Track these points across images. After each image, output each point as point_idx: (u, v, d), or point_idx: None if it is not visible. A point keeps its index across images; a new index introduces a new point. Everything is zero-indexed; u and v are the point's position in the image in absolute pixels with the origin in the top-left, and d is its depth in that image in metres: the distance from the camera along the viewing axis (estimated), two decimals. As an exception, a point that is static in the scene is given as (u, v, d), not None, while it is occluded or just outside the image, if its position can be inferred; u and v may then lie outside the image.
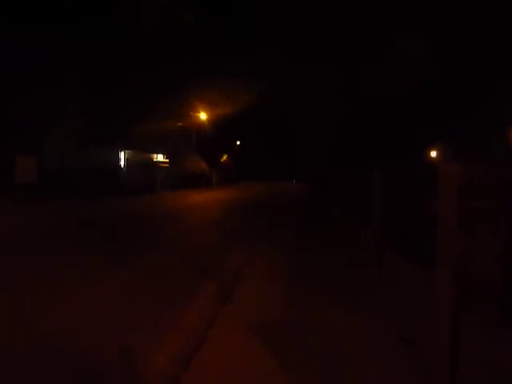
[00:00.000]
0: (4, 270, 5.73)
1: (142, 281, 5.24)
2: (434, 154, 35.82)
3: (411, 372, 2.96)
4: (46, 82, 27.43)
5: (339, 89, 35.64)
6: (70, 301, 4.39)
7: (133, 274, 5.51)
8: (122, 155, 31.35)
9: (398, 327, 3.67)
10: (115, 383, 2.79)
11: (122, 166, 31.44)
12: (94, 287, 4.89)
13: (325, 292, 4.75)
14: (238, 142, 54.75)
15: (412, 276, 3.64)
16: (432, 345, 2.76)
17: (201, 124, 40.66)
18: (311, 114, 40.41)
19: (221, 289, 4.85)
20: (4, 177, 28.07)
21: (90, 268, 5.84)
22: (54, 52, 27.79)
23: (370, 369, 2.98)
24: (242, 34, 46.40)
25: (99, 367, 2.94)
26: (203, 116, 39.34)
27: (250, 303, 4.32)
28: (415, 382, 2.85)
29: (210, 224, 11.75)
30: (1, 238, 8.37)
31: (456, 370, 2.43)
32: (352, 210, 7.49)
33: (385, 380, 2.86)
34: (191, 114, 38.59)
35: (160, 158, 37.54)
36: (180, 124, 38.87)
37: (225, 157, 56.03)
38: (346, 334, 3.62)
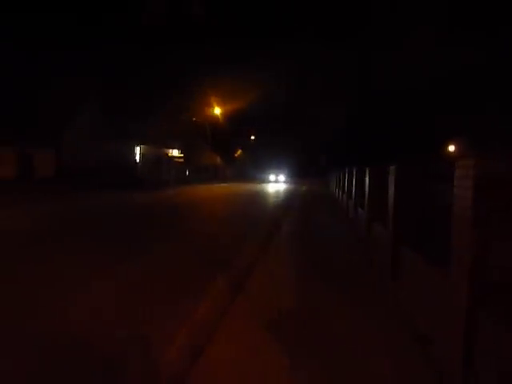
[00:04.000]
0: (22, 261, 5.88)
1: (166, 268, 5.32)
2: (452, 148, 35.07)
3: (424, 371, 2.92)
4: (64, 78, 27.81)
5: (353, 84, 35.19)
6: (91, 290, 4.48)
7: (154, 262, 5.60)
8: (137, 150, 31.67)
9: (412, 326, 3.63)
10: (129, 372, 2.84)
11: (138, 160, 31.77)
12: (114, 278, 4.99)
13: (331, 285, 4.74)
14: (253, 137, 54.63)
15: (428, 274, 3.59)
16: (446, 344, 2.72)
17: (215, 119, 40.70)
18: (325, 111, 40.02)
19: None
20: (23, 171, 28.74)
21: (110, 259, 5.94)
22: (71, 49, 28.14)
23: (384, 369, 2.95)
24: (255, 29, 46.10)
25: (113, 355, 2.99)
26: (218, 111, 39.37)
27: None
28: (429, 381, 2.82)
29: (224, 219, 11.81)
30: (17, 232, 8.56)
31: (470, 370, 2.40)
32: (369, 207, 7.39)
33: (397, 379, 2.84)
34: (206, 109, 38.66)
35: (175, 152, 37.79)
36: (195, 119, 39.01)
37: (239, 152, 56.04)
38: (360, 333, 3.60)
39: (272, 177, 40.38)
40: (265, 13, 42.79)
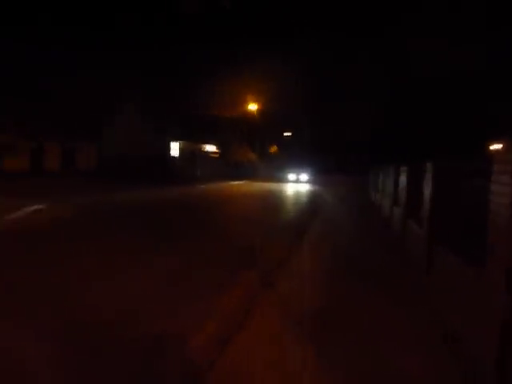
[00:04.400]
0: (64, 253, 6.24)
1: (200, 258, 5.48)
2: (496, 147, 33.39)
3: (454, 370, 2.86)
4: (104, 76, 28.88)
5: (390, 75, 34.03)
6: (126, 281, 4.70)
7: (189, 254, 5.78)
8: (174, 145, 32.40)
9: (444, 325, 3.55)
10: (161, 360, 2.96)
11: (174, 155, 32.50)
12: (149, 268, 5.20)
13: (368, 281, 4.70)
14: (288, 134, 54.38)
15: (463, 273, 3.49)
16: (478, 343, 2.65)
17: (251, 115, 40.87)
18: (361, 105, 39.12)
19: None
20: (67, 164, 30.22)
21: (147, 251, 6.18)
22: (110, 48, 29.16)
23: (412, 368, 2.92)
24: (285, 25, 45.63)
25: (145, 344, 3.13)
26: (254, 107, 39.49)
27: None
28: (456, 381, 2.76)
29: (258, 214, 11.90)
30: (60, 225, 9.04)
31: (504, 371, 2.33)
32: (406, 205, 7.24)
33: (425, 379, 2.79)
34: (242, 104, 38.89)
35: (211, 148, 38.33)
36: (231, 115, 39.34)
37: (274, 148, 55.98)
38: (391, 328, 3.56)
39: (292, 176, 33.84)
40: (290, 7, 42.18)
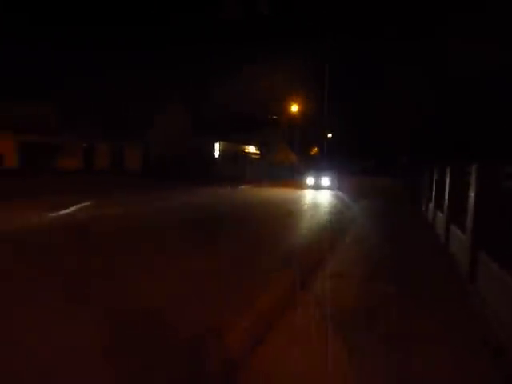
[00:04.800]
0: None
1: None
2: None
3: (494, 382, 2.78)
4: (149, 79, 29.96)
5: (429, 75, 32.57)
6: (168, 275, 4.94)
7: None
8: (216, 146, 33.04)
9: (486, 334, 3.43)
10: (204, 356, 3.10)
11: (216, 155, 33.14)
12: (191, 265, 5.42)
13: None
14: (330, 135, 53.75)
15: (508, 282, 3.36)
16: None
17: (293, 116, 40.80)
18: (401, 105, 37.81)
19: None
20: (116, 163, 31.67)
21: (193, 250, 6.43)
22: (157, 48, 30.18)
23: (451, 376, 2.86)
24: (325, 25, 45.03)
25: (189, 338, 3.30)
26: (295, 108, 39.41)
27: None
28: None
29: (304, 214, 11.90)
30: (111, 221, 9.54)
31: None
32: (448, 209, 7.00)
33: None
34: (284, 105, 38.94)
35: (252, 149, 38.69)
36: (272, 116, 39.51)
37: (315, 149, 55.56)
38: (431, 337, 3.49)
39: (310, 180, 25.31)
40: (325, 8, 41.52)
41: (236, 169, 34.01)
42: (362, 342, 3.22)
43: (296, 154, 45.67)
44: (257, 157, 38.85)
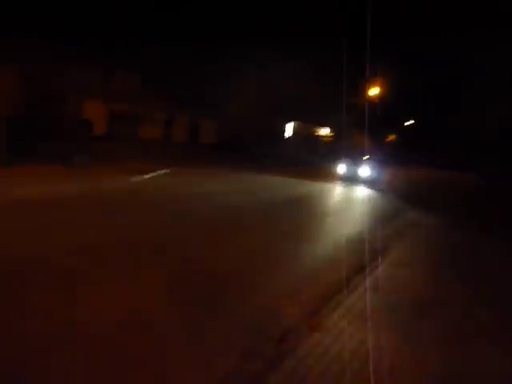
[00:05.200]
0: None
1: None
2: None
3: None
4: (225, 62, 30.33)
5: None
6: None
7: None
8: (289, 126, 32.97)
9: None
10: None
11: (288, 136, 33.11)
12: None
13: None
14: (409, 122, 50.80)
15: None
16: None
17: (371, 100, 39.12)
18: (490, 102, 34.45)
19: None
20: (193, 138, 33.20)
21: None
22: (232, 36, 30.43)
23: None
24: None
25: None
26: (374, 91, 37.65)
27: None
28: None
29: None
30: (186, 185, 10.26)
31: None
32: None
33: None
34: (363, 90, 37.43)
35: (325, 131, 38.00)
36: (350, 99, 38.21)
37: (392, 136, 52.93)
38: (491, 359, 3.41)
39: (341, 168, 19.63)
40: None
41: (306, 150, 33.72)
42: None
43: (371, 139, 44.01)
44: (330, 139, 38.09)
